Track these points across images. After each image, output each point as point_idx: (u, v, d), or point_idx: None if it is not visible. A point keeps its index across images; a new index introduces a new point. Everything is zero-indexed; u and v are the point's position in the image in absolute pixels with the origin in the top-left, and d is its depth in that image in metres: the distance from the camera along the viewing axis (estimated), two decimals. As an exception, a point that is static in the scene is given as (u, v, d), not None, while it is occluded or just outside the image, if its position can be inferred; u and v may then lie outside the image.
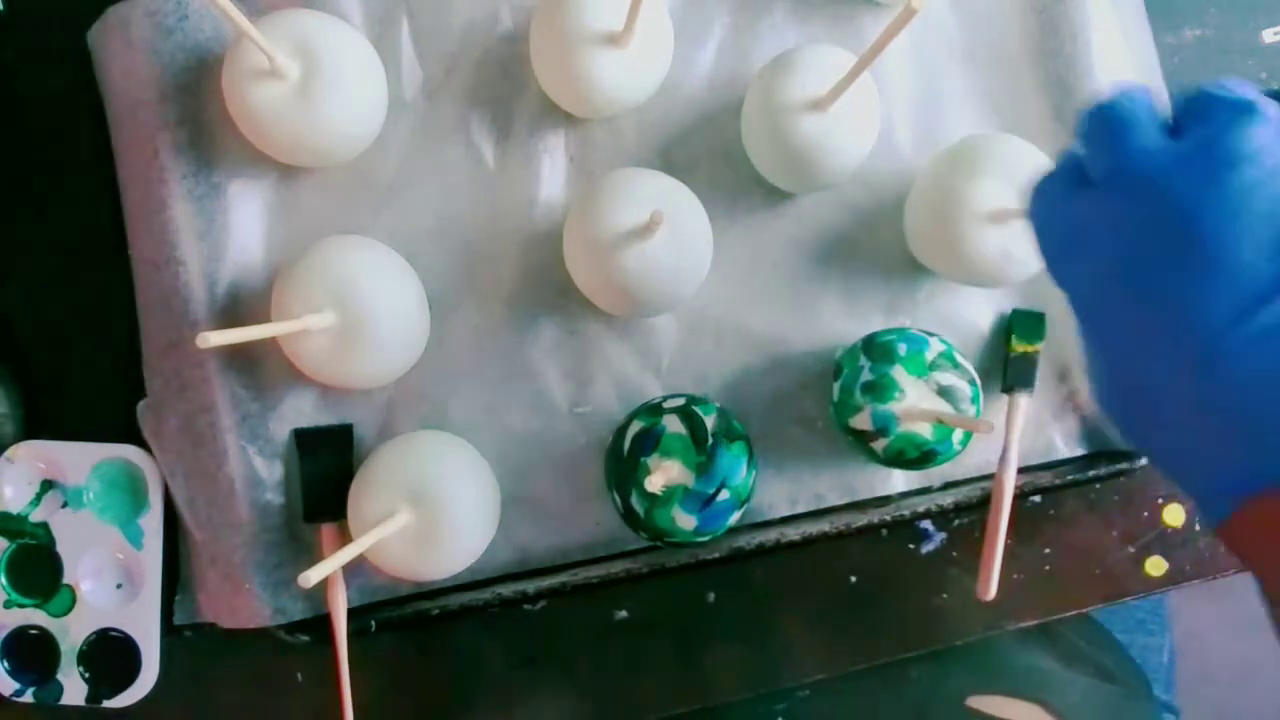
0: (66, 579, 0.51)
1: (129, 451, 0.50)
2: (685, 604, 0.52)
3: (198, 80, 0.48)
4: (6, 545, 0.51)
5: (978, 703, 0.61)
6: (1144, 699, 0.69)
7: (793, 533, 0.49)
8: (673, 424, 0.45)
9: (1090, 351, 0.33)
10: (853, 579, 0.52)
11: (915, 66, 0.50)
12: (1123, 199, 0.30)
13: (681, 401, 0.46)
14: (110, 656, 0.51)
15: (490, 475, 0.48)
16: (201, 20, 0.48)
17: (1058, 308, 0.50)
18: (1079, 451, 0.50)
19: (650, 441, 0.44)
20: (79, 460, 0.50)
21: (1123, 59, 0.48)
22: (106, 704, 0.51)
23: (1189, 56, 0.51)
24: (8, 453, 0.50)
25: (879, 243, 0.50)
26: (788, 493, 0.50)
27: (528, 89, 0.49)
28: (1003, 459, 0.48)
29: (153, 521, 0.50)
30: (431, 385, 0.49)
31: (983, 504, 0.49)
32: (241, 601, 0.49)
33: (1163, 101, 0.48)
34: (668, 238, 0.44)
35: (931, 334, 0.47)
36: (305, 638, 0.50)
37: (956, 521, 0.52)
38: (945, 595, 0.52)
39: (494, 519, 0.48)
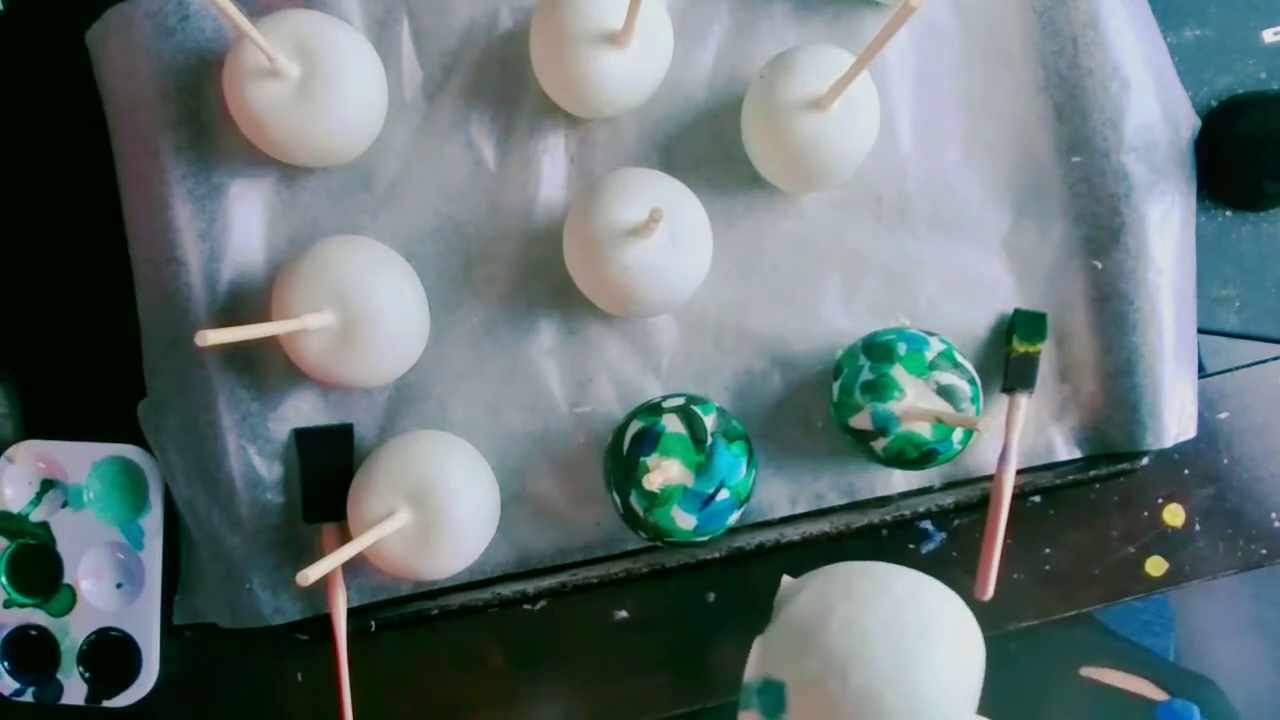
0: (66, 579, 0.51)
1: (129, 451, 0.50)
2: (685, 604, 0.52)
3: (198, 80, 0.48)
4: (6, 545, 0.51)
5: (1092, 673, 0.61)
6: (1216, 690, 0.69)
7: (793, 533, 0.49)
8: (672, 423, 0.45)
9: None
10: (853, 579, 0.52)
11: (915, 66, 0.50)
12: None
13: (681, 401, 0.46)
14: (110, 656, 0.51)
15: (490, 475, 0.48)
16: (202, 21, 0.48)
17: (1059, 308, 0.50)
18: (1078, 454, 0.50)
19: (650, 441, 0.44)
20: (79, 460, 0.50)
21: (1131, 56, 0.48)
22: (106, 704, 0.51)
23: (1189, 56, 0.51)
24: (8, 453, 0.50)
25: (878, 242, 0.50)
26: (788, 493, 0.50)
27: (528, 89, 0.49)
28: (1002, 459, 0.48)
29: (153, 521, 0.50)
30: (431, 385, 0.49)
31: (983, 504, 0.49)
32: (241, 601, 0.49)
33: (1179, 94, 0.49)
34: (668, 238, 0.44)
35: (931, 333, 0.47)
36: (305, 638, 0.50)
37: (956, 521, 0.52)
38: (945, 595, 0.52)
39: (494, 519, 0.48)
